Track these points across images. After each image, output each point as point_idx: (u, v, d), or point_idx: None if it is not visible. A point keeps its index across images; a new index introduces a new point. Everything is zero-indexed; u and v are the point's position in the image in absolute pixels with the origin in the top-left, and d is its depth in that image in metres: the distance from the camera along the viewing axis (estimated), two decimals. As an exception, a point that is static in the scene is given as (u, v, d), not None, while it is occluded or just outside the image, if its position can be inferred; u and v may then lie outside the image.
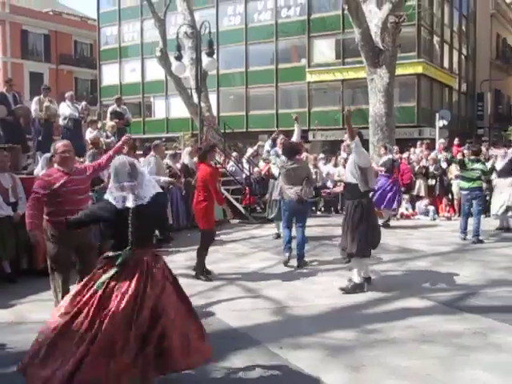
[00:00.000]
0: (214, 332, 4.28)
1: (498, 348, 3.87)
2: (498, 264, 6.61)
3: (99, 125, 10.30)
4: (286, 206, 6.59)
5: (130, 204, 3.03)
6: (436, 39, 28.47)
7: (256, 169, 11.29)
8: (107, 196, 3.10)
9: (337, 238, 8.60)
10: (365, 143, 5.76)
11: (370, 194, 5.95)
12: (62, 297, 4.00)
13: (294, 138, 7.98)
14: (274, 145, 8.31)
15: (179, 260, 6.95)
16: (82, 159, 7.52)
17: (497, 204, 9.17)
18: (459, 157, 10.13)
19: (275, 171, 7.66)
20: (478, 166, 8.22)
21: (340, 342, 4.02)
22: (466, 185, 8.34)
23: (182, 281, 5.79)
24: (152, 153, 8.33)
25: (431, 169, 11.69)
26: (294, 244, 6.58)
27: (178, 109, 24.21)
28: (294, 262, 6.49)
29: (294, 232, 6.72)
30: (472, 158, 8.47)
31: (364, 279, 5.43)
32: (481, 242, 8.03)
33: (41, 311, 4.71)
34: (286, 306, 4.89)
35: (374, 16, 13.56)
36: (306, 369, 3.57)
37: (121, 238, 3.02)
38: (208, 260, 6.09)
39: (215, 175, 5.95)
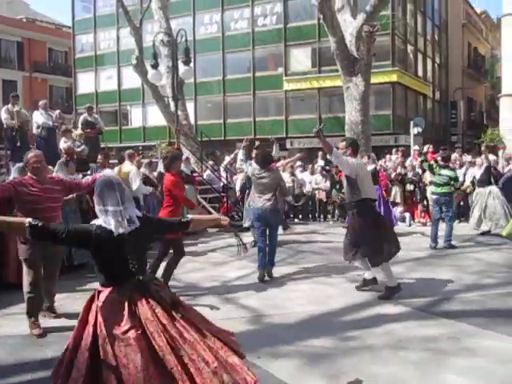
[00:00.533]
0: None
1: (472, 352, 3.92)
2: (472, 268, 6.73)
3: (74, 134, 10.16)
4: (255, 214, 6.43)
5: (122, 230, 2.64)
6: (410, 48, 29.05)
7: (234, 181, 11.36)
8: (97, 220, 2.71)
9: (314, 243, 8.69)
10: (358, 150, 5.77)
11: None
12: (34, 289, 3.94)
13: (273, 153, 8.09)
14: (246, 153, 8.26)
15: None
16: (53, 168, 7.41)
17: (475, 218, 9.42)
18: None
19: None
20: (446, 172, 8.36)
21: (318, 350, 4.01)
22: (435, 189, 8.54)
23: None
24: (128, 162, 8.21)
25: (409, 175, 11.87)
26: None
27: (155, 117, 24.06)
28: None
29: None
30: (441, 163, 8.62)
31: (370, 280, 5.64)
32: (453, 247, 8.15)
33: (11, 325, 4.59)
34: (263, 314, 4.87)
35: (349, 25, 13.76)
36: (284, 378, 3.55)
37: (117, 267, 2.68)
38: (185, 269, 6.04)
39: (178, 183, 5.79)
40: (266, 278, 6.28)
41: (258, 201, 6.37)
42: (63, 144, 9.27)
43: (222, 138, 27.34)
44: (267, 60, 29.24)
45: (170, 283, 6.21)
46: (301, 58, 27.99)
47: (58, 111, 10.35)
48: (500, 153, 15.46)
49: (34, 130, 9.70)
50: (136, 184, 7.63)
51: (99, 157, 8.40)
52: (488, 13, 43.23)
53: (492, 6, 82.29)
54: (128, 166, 7.91)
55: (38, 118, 9.61)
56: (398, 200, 11.58)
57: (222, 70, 29.41)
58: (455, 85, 34.44)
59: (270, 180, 6.37)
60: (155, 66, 12.57)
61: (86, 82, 33.55)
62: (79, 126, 10.89)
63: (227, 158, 9.83)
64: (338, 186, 12.26)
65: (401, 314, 4.90)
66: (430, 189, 10.78)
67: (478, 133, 27.38)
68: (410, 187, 11.52)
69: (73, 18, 34.57)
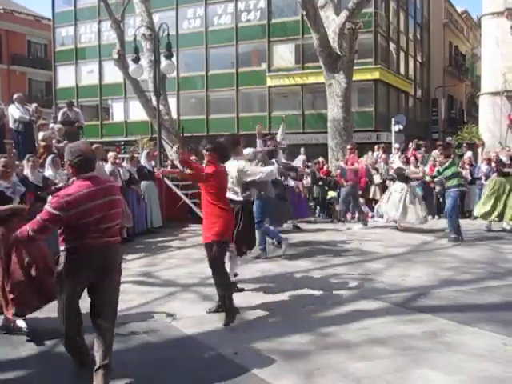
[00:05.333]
0: (166, 339, 4.22)
1: (448, 347, 3.96)
2: (448, 264, 6.81)
3: (55, 130, 9.99)
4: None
5: None
6: (392, 46, 29.28)
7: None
8: None
9: (293, 239, 8.70)
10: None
11: None
12: None
13: (279, 137, 8.57)
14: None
15: (132, 267, 6.81)
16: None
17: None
18: (412, 159, 10.52)
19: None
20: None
21: (295, 347, 4.02)
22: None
23: (136, 288, 5.76)
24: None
25: (390, 172, 11.96)
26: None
27: (137, 112, 23.81)
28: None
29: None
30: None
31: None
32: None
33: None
34: (241, 311, 4.85)
35: (332, 22, 13.79)
36: (260, 374, 3.55)
37: None
38: (163, 266, 6.00)
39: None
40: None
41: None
42: (40, 135, 9.09)
43: (205, 134, 27.20)
44: (251, 56, 29.18)
45: (149, 280, 6.18)
46: (284, 54, 28.00)
47: (34, 105, 10.17)
48: (479, 150, 15.74)
49: (11, 125, 9.50)
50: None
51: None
52: (469, 12, 43.89)
53: (472, 5, 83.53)
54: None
55: (15, 111, 9.42)
56: (378, 196, 11.67)
57: (205, 65, 29.26)
58: (436, 83, 34.86)
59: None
60: (136, 61, 12.43)
61: (66, 76, 33.05)
62: (58, 120, 10.72)
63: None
64: (320, 183, 12.33)
65: (378, 309, 4.93)
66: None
67: (460, 130, 27.80)
68: (389, 184, 11.61)
69: (53, 10, 34.00)
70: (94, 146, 8.56)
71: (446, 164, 8.68)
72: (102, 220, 3.24)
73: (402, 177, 9.65)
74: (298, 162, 11.57)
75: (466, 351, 3.86)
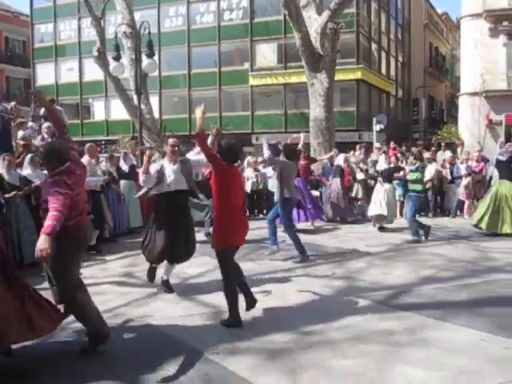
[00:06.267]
0: (147, 340, 4.17)
1: (428, 343, 4.01)
2: (429, 263, 6.89)
3: (42, 127, 9.83)
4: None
5: None
6: (374, 46, 29.54)
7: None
8: None
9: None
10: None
11: None
12: None
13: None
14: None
15: (113, 267, 6.72)
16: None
17: None
18: (393, 158, 10.61)
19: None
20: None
21: (278, 346, 4.01)
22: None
23: (116, 289, 5.69)
24: (86, 155, 8.08)
25: (370, 171, 12.06)
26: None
27: (119, 111, 23.56)
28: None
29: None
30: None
31: None
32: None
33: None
34: (223, 310, 4.82)
35: (314, 22, 13.84)
36: (243, 373, 3.53)
37: None
38: (144, 267, 5.93)
39: None
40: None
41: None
42: (19, 134, 8.92)
43: (188, 133, 27.04)
44: (233, 55, 29.13)
45: (130, 280, 6.12)
46: (267, 53, 28.02)
47: (13, 103, 9.98)
48: (459, 149, 15.97)
49: (-13, 122, 9.28)
50: None
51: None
52: (448, 14, 44.47)
53: (452, 7, 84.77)
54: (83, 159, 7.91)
55: (-10, 109, 9.21)
56: (360, 196, 11.76)
57: (188, 64, 29.11)
58: (417, 83, 35.29)
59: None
60: (117, 59, 12.32)
61: (45, 74, 32.51)
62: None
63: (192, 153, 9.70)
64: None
65: (360, 307, 4.97)
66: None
67: (439, 130, 28.20)
68: (370, 183, 11.72)
69: (31, 6, 33.42)
70: (88, 144, 8.58)
71: (413, 167, 8.80)
72: None
73: (388, 177, 9.70)
74: (340, 159, 11.39)
75: (446, 347, 3.91)
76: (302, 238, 8.48)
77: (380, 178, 9.84)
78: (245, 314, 4.69)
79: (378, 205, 9.52)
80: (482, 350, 3.85)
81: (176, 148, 5.57)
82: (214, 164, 4.49)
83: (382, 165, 10.54)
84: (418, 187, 8.76)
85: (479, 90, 22.71)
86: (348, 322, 4.51)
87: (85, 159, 7.93)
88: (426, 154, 12.73)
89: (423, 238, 8.52)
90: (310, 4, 14.19)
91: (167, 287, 5.43)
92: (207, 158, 4.57)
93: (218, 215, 4.47)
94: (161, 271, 5.65)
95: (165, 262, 5.48)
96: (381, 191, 9.60)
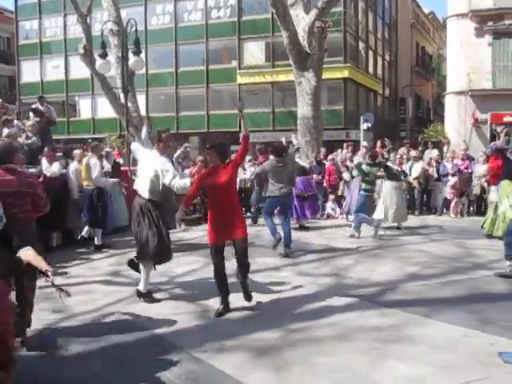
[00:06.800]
0: (134, 339, 4.16)
1: (414, 340, 4.06)
2: (414, 259, 6.97)
3: (26, 125, 9.71)
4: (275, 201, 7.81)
5: None
6: (361, 45, 29.68)
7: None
8: None
9: (261, 237, 8.71)
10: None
11: None
12: None
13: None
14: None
15: (101, 266, 6.69)
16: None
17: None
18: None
19: None
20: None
21: (264, 343, 4.03)
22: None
23: (103, 288, 5.67)
24: (91, 153, 8.29)
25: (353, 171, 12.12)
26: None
27: (105, 109, 23.37)
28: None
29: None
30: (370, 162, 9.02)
31: None
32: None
33: None
34: (210, 309, 4.83)
35: (302, 21, 13.86)
36: (230, 371, 3.55)
37: None
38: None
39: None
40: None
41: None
42: (4, 132, 8.80)
43: (175, 131, 26.94)
44: (221, 53, 29.05)
45: (118, 279, 6.08)
46: (255, 51, 27.99)
47: None
48: (445, 148, 16.12)
49: (-30, 120, 9.14)
50: (93, 175, 7.97)
51: (45, 150, 8.27)
52: (435, 14, 44.83)
53: (438, 7, 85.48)
54: (93, 158, 8.15)
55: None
56: (346, 194, 11.82)
57: (175, 62, 28.97)
58: (404, 82, 35.55)
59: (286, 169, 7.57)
60: (103, 56, 12.20)
61: (30, 71, 32.10)
62: (30, 115, 10.42)
63: (178, 152, 9.65)
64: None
65: (346, 304, 5.00)
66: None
67: (425, 128, 28.44)
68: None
69: (16, 2, 32.98)
70: (94, 143, 8.76)
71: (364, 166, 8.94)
72: None
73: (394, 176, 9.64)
74: (360, 156, 11.32)
75: (430, 343, 3.96)
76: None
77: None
78: (232, 313, 4.71)
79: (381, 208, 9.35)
80: (466, 346, 3.91)
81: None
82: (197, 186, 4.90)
83: (359, 158, 10.66)
84: (364, 185, 8.90)
85: (465, 89, 22.94)
86: (335, 319, 4.55)
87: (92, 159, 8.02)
88: (413, 153, 12.85)
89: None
90: (297, 2, 14.20)
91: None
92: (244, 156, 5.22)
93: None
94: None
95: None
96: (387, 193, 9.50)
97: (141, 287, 5.16)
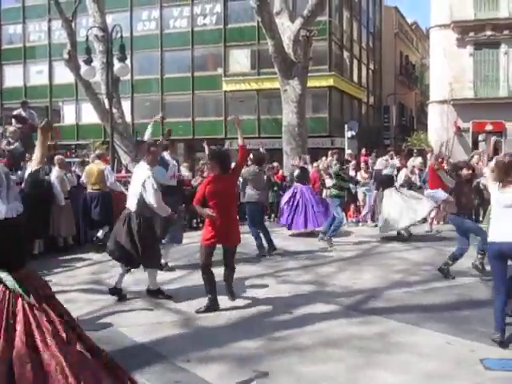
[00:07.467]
0: (117, 348, 4.09)
1: (398, 348, 4.07)
2: (397, 267, 7.01)
3: (7, 131, 9.59)
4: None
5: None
6: (346, 54, 30.02)
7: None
8: None
9: (246, 244, 8.72)
10: None
11: None
12: None
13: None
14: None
15: (81, 274, 6.60)
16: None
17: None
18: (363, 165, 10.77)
19: None
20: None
21: (247, 352, 4.01)
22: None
23: (84, 296, 5.58)
24: (99, 161, 8.69)
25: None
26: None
27: (90, 114, 23.21)
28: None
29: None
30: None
31: None
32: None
33: None
34: (193, 317, 4.79)
35: (287, 29, 13.99)
36: (213, 380, 3.51)
37: None
38: (113, 273, 5.84)
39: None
40: None
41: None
42: (-16, 140, 8.70)
43: (159, 138, 26.84)
44: (207, 60, 29.12)
45: (98, 287, 6.00)
46: (240, 59, 28.12)
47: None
48: (428, 156, 16.30)
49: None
50: (111, 179, 8.51)
51: (27, 156, 8.24)
52: (418, 24, 45.59)
53: (422, 17, 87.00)
54: (101, 164, 8.65)
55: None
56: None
57: (161, 69, 28.93)
58: (388, 90, 36.01)
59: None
60: (88, 62, 12.15)
61: (13, 76, 31.76)
62: (12, 121, 10.29)
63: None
64: (275, 188, 12.41)
65: (330, 312, 5.00)
66: (361, 190, 11.25)
67: (409, 137, 28.82)
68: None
69: (-1, 6, 32.68)
70: (97, 152, 9.32)
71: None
72: None
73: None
74: (380, 164, 11.26)
75: (414, 351, 3.98)
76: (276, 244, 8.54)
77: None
78: (216, 321, 4.68)
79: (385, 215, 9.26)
80: (449, 353, 3.93)
81: None
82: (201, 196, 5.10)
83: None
84: (334, 192, 9.02)
85: (447, 98, 23.34)
86: (318, 327, 4.54)
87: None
88: (396, 161, 12.94)
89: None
90: (283, 11, 14.35)
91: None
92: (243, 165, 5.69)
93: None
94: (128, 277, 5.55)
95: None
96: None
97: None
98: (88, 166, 9.00)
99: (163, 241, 6.43)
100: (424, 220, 9.73)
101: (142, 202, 5.16)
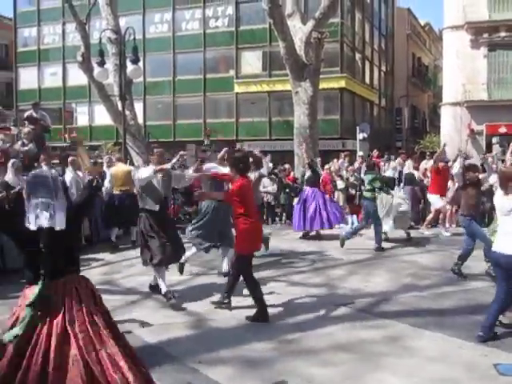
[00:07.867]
0: (128, 349, 4.13)
1: (406, 351, 4.06)
2: (408, 270, 6.97)
3: (22, 132, 9.77)
4: None
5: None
6: (358, 56, 29.91)
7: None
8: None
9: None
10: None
11: None
12: None
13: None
14: None
15: (93, 275, 6.62)
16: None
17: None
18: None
19: None
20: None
21: (259, 354, 4.02)
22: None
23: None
24: (120, 163, 9.14)
25: (351, 179, 12.15)
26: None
27: (103, 116, 23.40)
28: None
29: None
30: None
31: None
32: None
33: None
34: (204, 318, 4.82)
35: (299, 31, 13.98)
36: (225, 382, 3.53)
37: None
38: (125, 274, 5.90)
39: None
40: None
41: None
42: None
43: (172, 140, 26.99)
44: (218, 62, 29.21)
45: (111, 288, 6.06)
46: (252, 61, 28.16)
47: (-1, 107, 9.86)
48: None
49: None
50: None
51: (41, 157, 8.34)
52: (431, 25, 45.27)
53: (435, 18, 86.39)
54: (125, 166, 9.04)
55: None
56: (341, 203, 11.84)
57: (173, 71, 29.10)
58: (400, 92, 35.79)
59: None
60: (101, 64, 12.25)
61: (28, 78, 32.20)
62: (25, 123, 10.46)
63: (173, 160, 9.67)
64: (287, 190, 12.41)
65: (340, 315, 5.00)
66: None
67: (421, 139, 28.63)
68: (351, 191, 11.82)
69: (14, 9, 33.13)
70: (117, 156, 9.63)
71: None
72: None
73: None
74: (390, 171, 11.25)
75: (424, 355, 3.96)
76: (284, 246, 8.55)
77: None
78: (227, 323, 4.70)
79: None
80: (461, 358, 3.91)
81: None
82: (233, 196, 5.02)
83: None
84: (368, 194, 8.88)
85: (461, 100, 23.11)
86: (328, 330, 4.54)
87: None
88: (397, 162, 12.85)
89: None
90: (294, 13, 14.33)
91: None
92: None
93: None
94: (136, 279, 5.58)
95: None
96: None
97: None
98: (112, 168, 9.08)
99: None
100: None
101: (143, 196, 5.39)
